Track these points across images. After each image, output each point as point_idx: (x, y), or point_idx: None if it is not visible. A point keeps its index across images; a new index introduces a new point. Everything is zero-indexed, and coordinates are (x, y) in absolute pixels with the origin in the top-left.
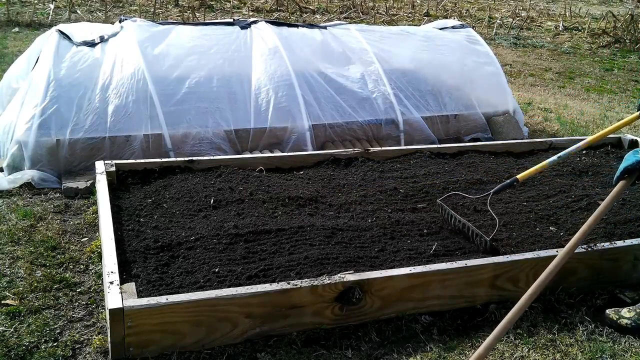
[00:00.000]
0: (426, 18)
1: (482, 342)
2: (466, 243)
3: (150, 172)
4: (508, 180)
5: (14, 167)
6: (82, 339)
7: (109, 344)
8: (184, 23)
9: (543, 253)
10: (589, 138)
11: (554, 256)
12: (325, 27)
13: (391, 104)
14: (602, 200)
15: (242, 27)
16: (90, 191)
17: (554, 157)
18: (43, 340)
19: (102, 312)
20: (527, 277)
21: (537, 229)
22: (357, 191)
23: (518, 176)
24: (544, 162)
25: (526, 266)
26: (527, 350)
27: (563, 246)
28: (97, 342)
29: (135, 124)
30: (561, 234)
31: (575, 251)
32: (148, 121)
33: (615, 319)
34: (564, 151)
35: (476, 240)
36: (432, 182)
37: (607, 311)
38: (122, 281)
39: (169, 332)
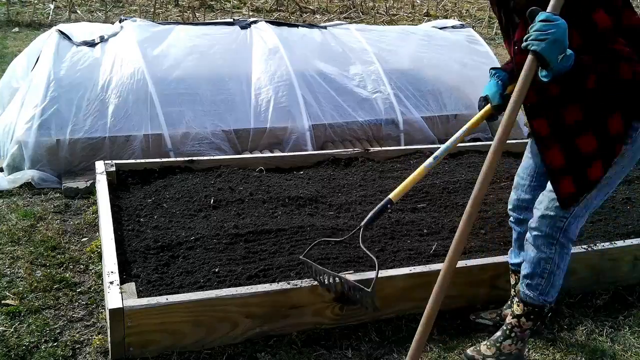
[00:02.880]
0: (426, 18)
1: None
2: (467, 243)
3: (150, 172)
4: (379, 205)
5: (14, 167)
6: (82, 339)
7: (109, 344)
8: (184, 23)
9: None
10: (459, 133)
11: None
12: (325, 27)
13: (391, 104)
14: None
15: (242, 27)
16: (90, 191)
17: (430, 160)
18: (43, 340)
19: (102, 312)
20: None
21: None
22: (357, 191)
23: (390, 196)
24: (419, 169)
25: None
26: (527, 350)
27: None
28: (97, 342)
29: (135, 124)
30: None
31: (575, 251)
32: (148, 121)
33: (478, 359)
34: (439, 150)
35: (358, 297)
36: (432, 182)
37: (467, 351)
38: (122, 281)
39: (169, 332)
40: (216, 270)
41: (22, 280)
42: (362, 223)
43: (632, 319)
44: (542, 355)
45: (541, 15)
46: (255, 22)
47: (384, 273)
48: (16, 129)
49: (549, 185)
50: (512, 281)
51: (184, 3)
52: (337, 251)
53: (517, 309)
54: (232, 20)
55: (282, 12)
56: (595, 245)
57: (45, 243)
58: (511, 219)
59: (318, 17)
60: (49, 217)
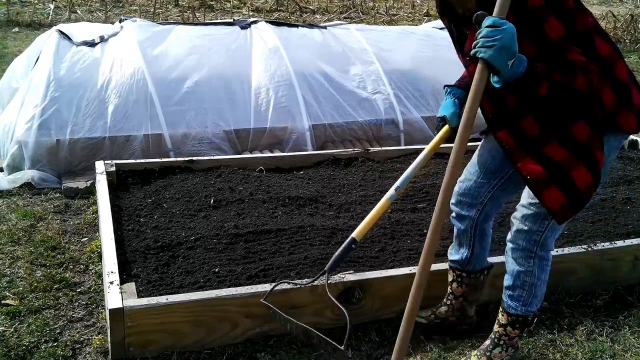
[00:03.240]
0: (426, 18)
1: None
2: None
3: (150, 172)
4: (344, 245)
5: (14, 167)
6: (82, 339)
7: (109, 344)
8: (184, 23)
9: None
10: (419, 159)
11: (555, 256)
12: (325, 27)
13: (391, 104)
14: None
15: (242, 27)
16: (90, 191)
17: (392, 191)
18: (43, 340)
19: (102, 312)
20: None
21: None
22: (357, 191)
23: (354, 234)
24: (382, 202)
25: None
26: (527, 350)
27: (566, 246)
28: (97, 342)
29: (135, 124)
30: (563, 232)
31: (575, 251)
32: (148, 121)
33: None
34: (399, 180)
35: (329, 351)
36: (432, 182)
37: None
38: (122, 281)
39: (169, 332)
40: (216, 270)
41: (22, 280)
42: (327, 267)
43: (632, 319)
44: (542, 355)
45: (487, 21)
46: (255, 22)
47: (384, 273)
48: (16, 129)
49: (523, 199)
50: (450, 278)
51: (184, 3)
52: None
53: (502, 318)
54: (232, 20)
55: (282, 12)
56: (595, 245)
57: (45, 243)
58: (453, 214)
59: (318, 17)
60: (49, 217)
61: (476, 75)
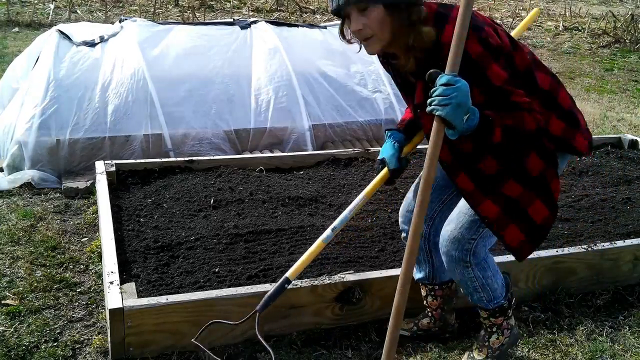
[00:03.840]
0: None
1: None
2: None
3: (150, 172)
4: (277, 284)
5: (14, 167)
6: (82, 339)
7: (109, 344)
8: (184, 23)
9: (543, 253)
10: (357, 201)
11: (555, 256)
12: (325, 27)
13: (391, 104)
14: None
15: (242, 27)
16: (90, 191)
17: (328, 232)
18: (43, 340)
19: (102, 312)
20: (527, 277)
21: None
22: (357, 191)
23: (287, 274)
24: (317, 243)
25: (525, 266)
26: (527, 350)
27: (566, 246)
28: (97, 342)
29: (135, 124)
30: (563, 232)
31: (575, 251)
32: (148, 121)
33: None
34: (336, 221)
35: None
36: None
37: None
38: (122, 281)
39: (169, 332)
40: (216, 270)
41: (22, 280)
42: (258, 307)
43: (632, 319)
44: (542, 355)
45: (442, 79)
46: (255, 22)
47: (384, 273)
48: (16, 129)
49: (457, 208)
50: (423, 293)
51: (184, 3)
52: (337, 251)
53: (481, 313)
54: (232, 20)
55: (282, 12)
56: (595, 245)
57: (45, 243)
58: (403, 234)
59: (318, 17)
60: (49, 217)
61: (433, 131)
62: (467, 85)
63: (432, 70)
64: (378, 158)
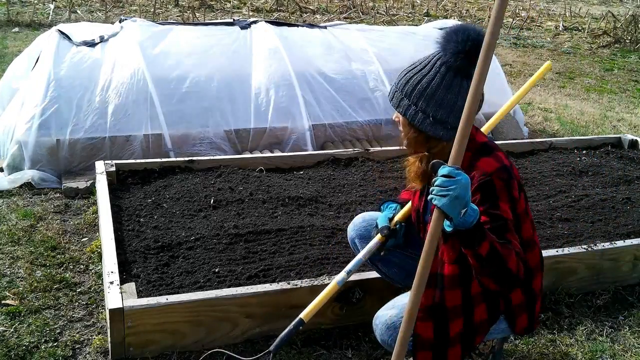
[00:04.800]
0: (426, 18)
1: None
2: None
3: (150, 172)
4: (291, 325)
5: (14, 167)
6: (82, 339)
7: (109, 344)
8: (184, 23)
9: (543, 253)
10: (365, 250)
11: (555, 256)
12: (325, 27)
13: None
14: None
15: (242, 27)
16: (90, 191)
17: (343, 275)
18: (43, 340)
19: (102, 312)
20: None
21: (538, 230)
22: (357, 191)
23: (302, 315)
24: (332, 284)
25: None
26: (527, 350)
27: (566, 246)
28: (97, 342)
29: (135, 124)
30: (563, 233)
31: (575, 251)
32: (148, 121)
33: None
34: (350, 264)
35: None
36: None
37: None
38: (122, 281)
39: (169, 332)
40: (216, 270)
41: (22, 280)
42: (271, 347)
43: (632, 319)
44: (542, 356)
45: (443, 170)
46: (255, 22)
47: None
48: (16, 129)
49: (404, 296)
50: None
51: (184, 3)
52: (337, 251)
53: None
54: (232, 20)
55: (282, 12)
56: (595, 245)
57: (45, 243)
58: (351, 244)
59: (318, 17)
60: (49, 217)
61: (432, 220)
62: (468, 180)
63: (434, 161)
64: (375, 226)
